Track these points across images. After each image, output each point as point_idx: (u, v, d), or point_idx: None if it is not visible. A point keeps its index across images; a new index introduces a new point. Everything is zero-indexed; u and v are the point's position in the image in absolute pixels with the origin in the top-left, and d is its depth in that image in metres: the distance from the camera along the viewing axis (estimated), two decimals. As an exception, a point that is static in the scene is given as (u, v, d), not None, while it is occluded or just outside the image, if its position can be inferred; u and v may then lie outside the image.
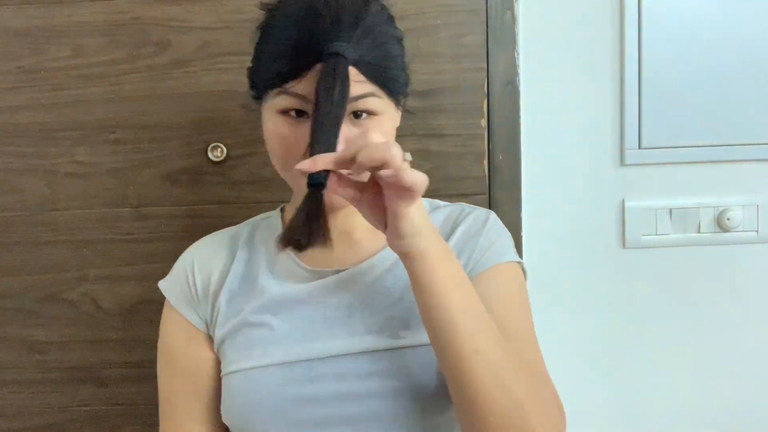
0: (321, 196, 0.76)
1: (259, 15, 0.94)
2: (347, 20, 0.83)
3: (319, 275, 0.94)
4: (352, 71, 0.82)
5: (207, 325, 0.98)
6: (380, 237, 0.88)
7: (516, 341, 0.87)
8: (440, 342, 0.79)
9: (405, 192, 0.72)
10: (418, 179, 0.72)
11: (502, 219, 1.03)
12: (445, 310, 0.78)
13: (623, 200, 1.37)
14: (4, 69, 1.31)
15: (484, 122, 1.32)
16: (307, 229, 0.77)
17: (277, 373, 0.89)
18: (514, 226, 1.32)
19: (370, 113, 0.86)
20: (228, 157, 1.32)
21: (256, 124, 0.93)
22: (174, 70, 1.30)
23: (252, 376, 0.90)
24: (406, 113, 0.97)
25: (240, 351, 0.93)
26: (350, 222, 0.96)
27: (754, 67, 1.33)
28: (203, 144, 1.31)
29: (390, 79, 0.87)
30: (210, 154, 1.31)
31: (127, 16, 1.29)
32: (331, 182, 0.75)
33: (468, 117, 1.31)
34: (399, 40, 0.91)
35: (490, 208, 1.27)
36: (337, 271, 0.94)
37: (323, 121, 0.77)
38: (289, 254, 0.95)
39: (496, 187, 1.34)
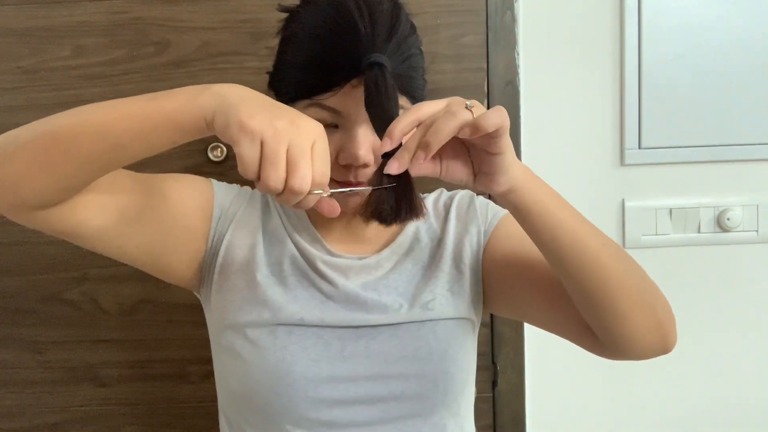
0: (406, 174, 0.75)
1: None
2: (382, 32, 0.83)
3: (347, 259, 0.96)
4: None
5: (215, 235, 0.95)
6: (388, 230, 0.97)
7: None
8: (567, 252, 0.81)
9: (493, 133, 0.71)
10: (499, 119, 0.70)
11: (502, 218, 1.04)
12: (564, 221, 0.80)
13: (623, 200, 1.37)
14: (4, 69, 1.31)
15: (484, 122, 1.32)
16: (404, 205, 0.78)
17: (310, 348, 0.90)
18: (514, 226, 1.32)
19: None
20: (228, 157, 1.32)
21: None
22: (174, 70, 1.30)
23: (281, 341, 0.89)
24: None
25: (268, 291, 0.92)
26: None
27: (754, 67, 1.33)
28: (203, 144, 1.31)
29: (415, 89, 0.89)
30: (210, 154, 1.31)
31: (127, 16, 1.29)
32: (412, 168, 0.74)
33: (468, 117, 1.31)
34: (421, 50, 0.92)
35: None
36: (361, 258, 0.96)
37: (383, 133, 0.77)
38: (317, 240, 0.96)
39: (496, 187, 1.34)
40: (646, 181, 1.37)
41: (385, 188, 0.76)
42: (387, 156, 0.75)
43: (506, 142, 0.73)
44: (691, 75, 1.33)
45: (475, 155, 0.77)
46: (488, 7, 1.30)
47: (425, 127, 0.73)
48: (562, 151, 1.36)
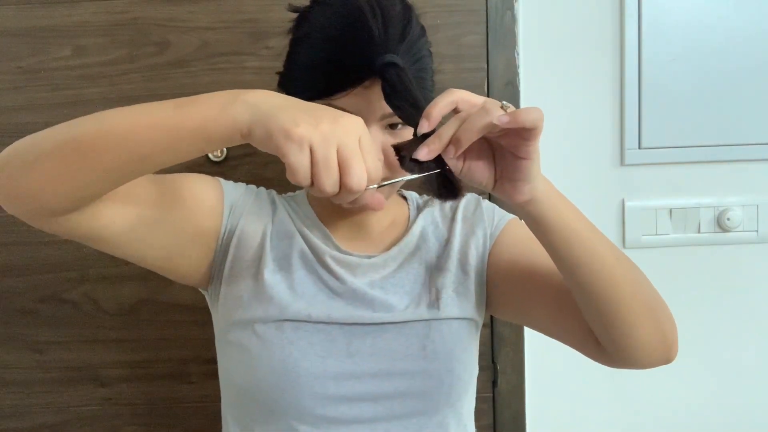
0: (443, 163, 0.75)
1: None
2: (395, 34, 0.84)
3: (356, 257, 0.97)
4: None
5: (225, 232, 0.95)
6: (395, 230, 1.00)
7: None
8: (583, 267, 0.81)
9: (526, 133, 0.70)
10: (537, 115, 0.68)
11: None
12: (582, 236, 0.80)
13: (623, 200, 1.37)
14: (4, 69, 1.31)
15: (484, 122, 1.32)
16: (455, 183, 0.78)
17: (317, 344, 0.90)
18: (514, 226, 1.32)
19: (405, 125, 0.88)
20: (228, 157, 1.32)
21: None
22: (174, 70, 1.30)
23: (288, 337, 0.90)
24: None
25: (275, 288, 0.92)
26: (373, 219, 0.99)
27: (753, 67, 1.34)
28: (203, 144, 1.31)
29: (425, 91, 0.89)
30: (210, 154, 1.31)
31: (127, 16, 1.29)
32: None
33: (468, 117, 1.31)
34: (430, 52, 0.92)
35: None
36: (369, 256, 0.97)
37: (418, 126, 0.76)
38: (327, 237, 0.97)
39: (496, 187, 1.34)
40: (646, 181, 1.37)
41: (435, 173, 0.75)
42: (424, 137, 0.74)
43: (536, 148, 0.72)
44: (691, 75, 1.33)
45: (500, 159, 0.76)
46: (488, 7, 1.30)
47: (460, 119, 0.72)
48: (562, 151, 1.36)
